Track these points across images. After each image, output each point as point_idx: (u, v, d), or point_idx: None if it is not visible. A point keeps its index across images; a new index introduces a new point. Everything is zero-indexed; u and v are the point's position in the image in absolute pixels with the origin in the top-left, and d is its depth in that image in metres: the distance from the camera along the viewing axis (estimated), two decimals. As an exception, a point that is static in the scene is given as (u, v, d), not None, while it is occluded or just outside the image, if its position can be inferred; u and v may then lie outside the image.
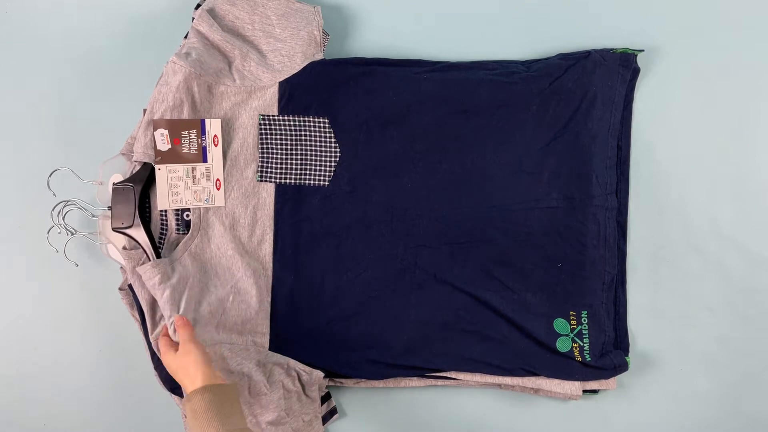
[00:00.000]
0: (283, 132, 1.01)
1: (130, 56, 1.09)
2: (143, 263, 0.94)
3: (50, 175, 0.99)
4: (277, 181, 1.01)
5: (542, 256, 1.01)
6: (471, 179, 1.02)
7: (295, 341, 1.00)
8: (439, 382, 1.03)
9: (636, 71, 1.06)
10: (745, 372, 1.06)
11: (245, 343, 0.98)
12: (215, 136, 0.99)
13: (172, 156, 0.97)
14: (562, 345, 1.01)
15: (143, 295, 0.95)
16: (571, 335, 1.01)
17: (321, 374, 0.99)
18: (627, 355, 1.04)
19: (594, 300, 1.02)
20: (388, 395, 1.06)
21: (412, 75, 1.02)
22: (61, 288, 1.07)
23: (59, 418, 1.07)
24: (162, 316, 0.96)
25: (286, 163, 1.01)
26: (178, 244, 0.97)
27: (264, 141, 1.01)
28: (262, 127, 1.01)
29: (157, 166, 0.97)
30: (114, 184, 0.97)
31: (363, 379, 1.02)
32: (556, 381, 1.01)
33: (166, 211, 0.99)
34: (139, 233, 0.95)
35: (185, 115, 0.97)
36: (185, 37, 1.00)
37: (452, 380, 1.02)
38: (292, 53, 1.01)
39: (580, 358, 1.00)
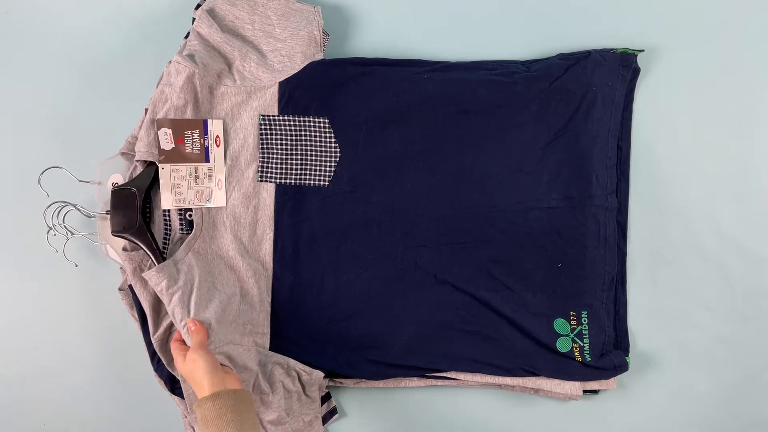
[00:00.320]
0: (284, 132, 1.01)
1: (130, 56, 1.08)
2: (149, 267, 0.94)
3: (42, 174, 0.98)
4: (278, 181, 1.01)
5: (542, 256, 1.02)
6: (471, 179, 1.02)
7: (295, 341, 1.00)
8: (439, 382, 1.03)
9: (636, 71, 1.06)
10: (745, 372, 1.06)
11: (248, 344, 0.98)
12: (217, 136, 0.99)
13: (176, 155, 0.97)
14: (562, 345, 1.01)
15: (145, 296, 0.95)
16: (572, 335, 1.01)
17: (321, 374, 0.99)
18: (627, 355, 1.04)
19: (594, 300, 1.02)
20: (388, 395, 1.07)
21: (412, 75, 1.02)
22: (61, 288, 1.07)
23: (59, 418, 1.07)
24: (165, 315, 0.96)
25: (287, 163, 1.01)
26: (181, 244, 0.97)
27: (264, 141, 1.01)
28: (263, 127, 1.01)
29: (160, 165, 0.97)
30: (113, 187, 0.97)
31: (363, 379, 1.02)
32: (556, 381, 1.01)
33: (169, 211, 0.99)
34: (142, 237, 0.95)
35: (188, 115, 0.97)
36: (185, 36, 1.00)
37: (452, 380, 1.02)
38: (292, 53, 1.01)
39: (580, 359, 1.00)
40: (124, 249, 0.96)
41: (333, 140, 1.02)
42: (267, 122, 1.01)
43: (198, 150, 0.98)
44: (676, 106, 1.07)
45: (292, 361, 0.98)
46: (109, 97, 1.08)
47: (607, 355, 1.02)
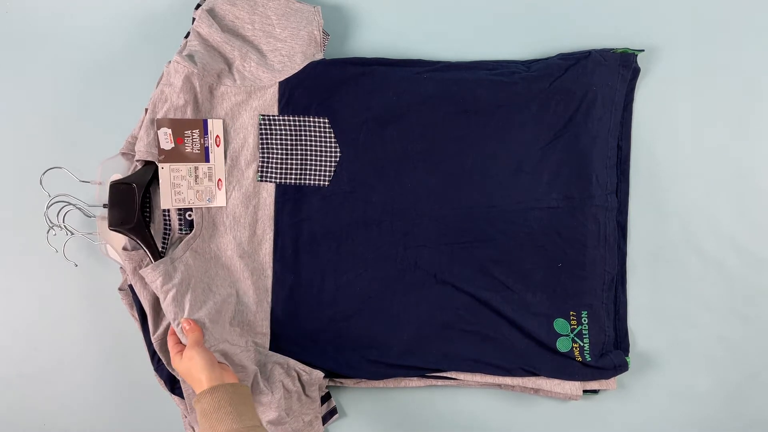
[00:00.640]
0: (283, 132, 1.01)
1: (130, 56, 1.09)
2: (146, 264, 0.94)
3: (43, 174, 0.98)
4: (278, 181, 1.01)
5: (542, 256, 1.01)
6: (471, 179, 1.02)
7: (295, 341, 1.00)
8: (439, 382, 1.03)
9: (636, 71, 1.06)
10: (745, 372, 1.06)
11: (246, 344, 0.98)
12: (217, 136, 0.99)
13: (176, 155, 0.97)
14: (563, 345, 1.01)
15: (145, 296, 0.95)
16: (572, 335, 1.01)
17: (321, 374, 0.99)
18: (627, 355, 1.04)
19: (594, 300, 1.02)
20: (388, 395, 1.07)
21: (412, 75, 1.02)
22: (61, 288, 1.07)
23: (59, 418, 1.07)
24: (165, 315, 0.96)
25: (286, 163, 1.01)
26: (180, 244, 0.97)
27: (264, 141, 1.01)
28: (263, 127, 1.01)
29: (160, 165, 0.97)
30: (111, 182, 0.96)
31: (363, 379, 1.02)
32: (556, 381, 1.01)
33: (168, 210, 0.99)
34: (139, 233, 0.95)
35: (188, 115, 0.97)
36: (185, 36, 1.01)
37: (452, 380, 1.02)
38: (292, 53, 1.01)
39: (580, 358, 1.00)
40: (125, 248, 0.96)
41: (333, 140, 1.02)
42: (267, 122, 1.01)
43: (198, 150, 0.98)
44: (676, 106, 1.07)
45: (292, 361, 0.98)
46: (109, 97, 1.08)
47: (607, 355, 1.01)
